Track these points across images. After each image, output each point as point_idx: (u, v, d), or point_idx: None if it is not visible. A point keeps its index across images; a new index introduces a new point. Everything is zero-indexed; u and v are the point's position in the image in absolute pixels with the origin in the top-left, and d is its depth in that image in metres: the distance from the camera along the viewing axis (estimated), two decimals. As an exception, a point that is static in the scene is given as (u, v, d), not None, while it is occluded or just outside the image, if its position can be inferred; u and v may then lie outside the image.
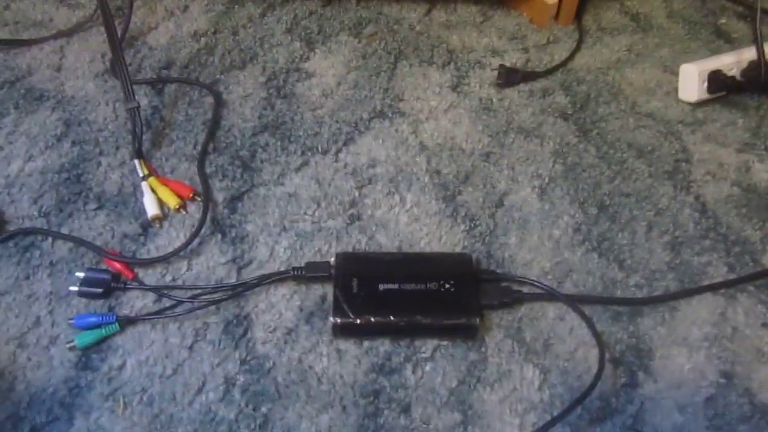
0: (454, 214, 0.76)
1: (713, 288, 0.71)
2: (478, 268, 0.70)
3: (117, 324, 0.65)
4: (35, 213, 0.75)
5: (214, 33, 0.97)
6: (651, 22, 1.02)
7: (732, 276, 0.72)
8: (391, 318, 0.63)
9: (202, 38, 0.96)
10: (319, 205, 0.76)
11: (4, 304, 0.68)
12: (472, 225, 0.75)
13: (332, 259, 0.68)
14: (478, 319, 0.64)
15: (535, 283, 0.69)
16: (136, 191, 0.77)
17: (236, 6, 1.01)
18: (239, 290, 0.68)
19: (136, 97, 0.85)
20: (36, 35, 0.95)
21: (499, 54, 0.96)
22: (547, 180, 0.80)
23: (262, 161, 0.80)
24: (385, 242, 0.73)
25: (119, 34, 0.93)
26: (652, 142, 0.85)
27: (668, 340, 0.67)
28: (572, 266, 0.72)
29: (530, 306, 0.68)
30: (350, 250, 0.72)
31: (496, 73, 0.91)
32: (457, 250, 0.73)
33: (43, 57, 0.92)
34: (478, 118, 0.86)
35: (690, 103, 0.90)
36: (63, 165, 0.79)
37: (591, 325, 0.66)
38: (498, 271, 0.70)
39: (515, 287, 0.69)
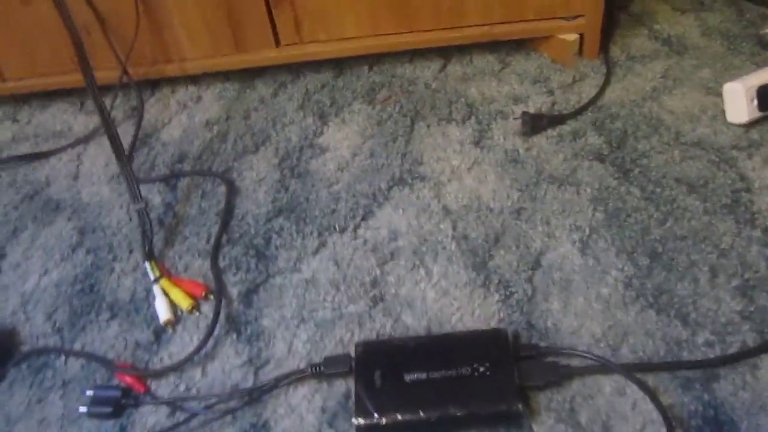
0: (487, 282, 0.68)
1: (800, 336, 0.60)
2: (517, 344, 0.62)
3: (127, 447, 0.60)
4: (49, 329, 0.72)
5: (227, 119, 0.94)
6: (685, 43, 0.94)
7: (821, 319, 0.61)
8: (421, 414, 0.56)
9: (215, 126, 0.94)
10: (338, 289, 0.70)
11: (16, 433, 0.64)
12: (507, 293, 0.67)
13: (352, 351, 0.62)
14: (520, 405, 0.56)
15: (585, 355, 0.60)
16: (149, 295, 0.73)
17: (248, 90, 0.99)
18: (255, 396, 0.62)
19: (150, 196, 0.84)
20: (56, 145, 0.96)
21: (521, 100, 0.89)
22: (587, 231, 0.72)
23: (277, 248, 0.76)
24: (412, 323, 0.66)
25: (133, 134, 0.93)
26: (703, 174, 0.76)
27: (754, 406, 0.57)
28: (627, 329, 0.63)
29: (582, 381, 0.60)
30: (374, 335, 0.66)
31: (519, 121, 0.85)
32: (493, 323, 0.65)
33: (61, 167, 0.92)
34: (505, 171, 0.80)
35: (741, 125, 0.80)
36: (77, 276, 0.76)
37: (655, 398, 0.57)
38: (541, 344, 0.62)
39: (563, 361, 0.60)
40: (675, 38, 0.96)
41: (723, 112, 0.82)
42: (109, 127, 0.76)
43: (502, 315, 0.65)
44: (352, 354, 0.62)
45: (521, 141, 0.83)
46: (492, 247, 0.72)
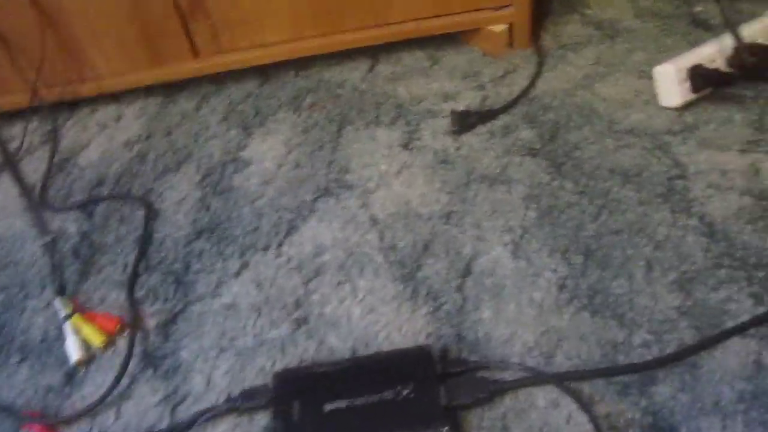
0: (414, 295, 0.65)
1: (740, 330, 0.58)
2: (444, 360, 0.58)
3: (32, 505, 0.55)
4: (-46, 379, 0.67)
5: (147, 138, 0.90)
6: (618, 27, 0.92)
7: (761, 309, 0.59)
8: (342, 446, 0.52)
9: (135, 146, 0.89)
10: (260, 313, 0.66)
11: None
12: (436, 305, 0.64)
13: (270, 381, 0.58)
14: (446, 428, 0.52)
15: (517, 367, 0.57)
16: (61, 335, 0.68)
17: (170, 104, 0.94)
18: (171, 437, 0.58)
19: (65, 225, 0.79)
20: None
21: (451, 98, 0.86)
22: (520, 232, 0.68)
23: (196, 273, 0.71)
24: (337, 345, 0.62)
25: (47, 160, 0.88)
26: (637, 162, 0.73)
27: (694, 408, 0.54)
28: (561, 334, 0.60)
29: (515, 395, 0.56)
30: (296, 361, 0.62)
31: (449, 120, 0.81)
32: (421, 338, 0.61)
33: (-28, 200, 0.87)
34: (435, 174, 0.76)
35: (674, 109, 0.78)
36: (-15, 318, 0.72)
37: (587, 409, 0.54)
38: (470, 358, 0.59)
39: (494, 375, 0.57)
40: (607, 22, 0.93)
41: (656, 96, 0.79)
42: (11, 161, 0.71)
43: (430, 329, 0.62)
44: (271, 385, 0.58)
45: (451, 140, 0.80)
46: (420, 256, 0.68)
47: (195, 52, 0.91)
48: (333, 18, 0.88)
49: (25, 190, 0.71)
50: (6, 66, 0.88)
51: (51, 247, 0.71)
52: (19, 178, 0.71)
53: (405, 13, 0.88)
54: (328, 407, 0.54)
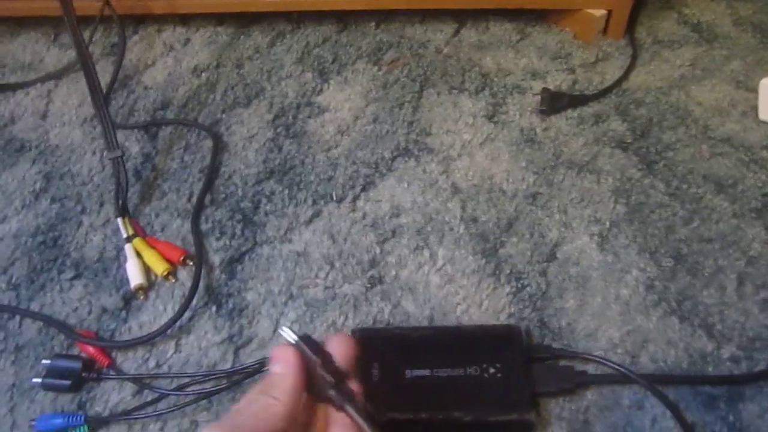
0: (497, 272, 0.62)
1: (832, 358, 0.56)
2: (529, 344, 0.56)
3: (86, 427, 0.53)
4: (3, 285, 0.64)
5: (217, 67, 0.86)
6: (716, 32, 0.88)
7: None
8: (422, 415, 0.50)
9: (203, 73, 0.85)
10: (332, 265, 0.63)
11: (-41, 401, 0.56)
12: (519, 285, 0.61)
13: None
14: (533, 414, 0.50)
15: (603, 361, 0.55)
16: (120, 255, 0.65)
17: (242, 36, 0.90)
18: (236, 379, 0.55)
19: (127, 144, 0.76)
20: (24, 78, 0.86)
21: (540, 76, 0.83)
22: (608, 225, 0.66)
23: (266, 214, 0.68)
24: (414, 311, 0.60)
25: (112, 74, 0.84)
26: (732, 173, 0.70)
27: (781, 431, 0.52)
28: (648, 335, 0.58)
29: (599, 391, 0.54)
30: (370, 321, 0.59)
31: (538, 98, 0.78)
32: (502, 317, 0.59)
33: (28, 103, 0.83)
34: (520, 152, 0.73)
35: (775, 124, 0.75)
36: (39, 226, 0.68)
37: (678, 414, 0.52)
38: (554, 346, 0.57)
39: (578, 367, 0.55)
40: (705, 25, 0.89)
41: (754, 108, 0.77)
42: (86, 61, 0.67)
43: (512, 309, 0.59)
44: (347, 341, 0.55)
45: (539, 119, 0.77)
46: (504, 233, 0.65)
47: (279, -14, 0.87)
48: (427, -26, 0.84)
49: (97, 98, 0.67)
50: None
51: (117, 164, 0.67)
52: (94, 85, 0.67)
53: (504, -19, 0.85)
54: (410, 373, 0.52)
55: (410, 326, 0.57)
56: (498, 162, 0.72)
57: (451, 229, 0.66)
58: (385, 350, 0.53)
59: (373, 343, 0.54)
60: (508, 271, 0.62)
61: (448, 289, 0.61)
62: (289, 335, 0.40)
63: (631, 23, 0.88)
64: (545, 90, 0.78)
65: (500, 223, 0.66)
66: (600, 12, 0.86)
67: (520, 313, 0.59)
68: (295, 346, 0.39)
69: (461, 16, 0.91)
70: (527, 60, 0.85)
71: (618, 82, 0.81)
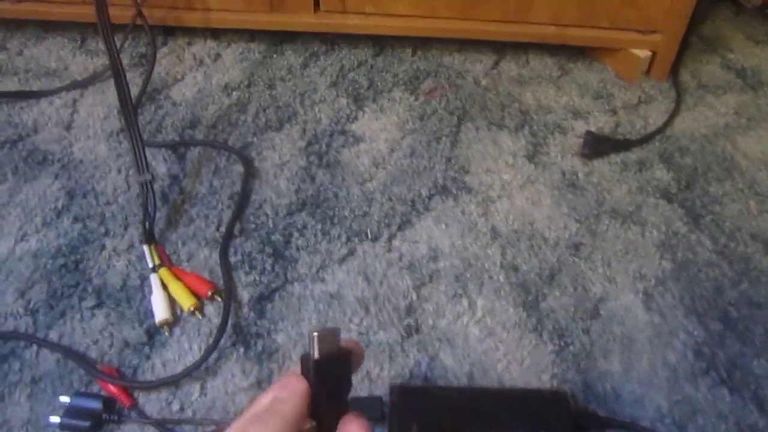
0: (539, 327, 0.60)
1: None
2: (576, 410, 0.53)
3: (105, 475, 0.50)
4: (21, 309, 0.61)
5: (248, 86, 0.83)
6: (761, 78, 0.86)
7: None
8: (465, 485, 0.47)
9: (234, 92, 0.82)
10: (367, 310, 0.61)
11: (-30, 435, 0.53)
12: (562, 344, 0.58)
13: (386, 394, 0.53)
14: (580, 490, 0.48)
15: (652, 433, 0.52)
16: (144, 285, 0.62)
17: (274, 54, 0.88)
18: (264, 430, 0.52)
19: (153, 164, 0.73)
20: (48, 86, 0.83)
21: (581, 116, 0.80)
22: (653, 282, 0.63)
23: (298, 249, 0.66)
24: (452, 365, 0.57)
25: (141, 86, 0.81)
26: (782, 233, 0.68)
27: None
28: (697, 406, 0.55)
29: (646, 465, 0.52)
30: (407, 373, 0.56)
31: (580, 140, 0.76)
32: (545, 378, 0.56)
33: (52, 112, 0.80)
34: (562, 197, 0.71)
35: (826, 184, 0.73)
36: (60, 248, 0.65)
37: (732, 498, 0.49)
38: (600, 413, 0.54)
39: (625, 438, 0.52)
40: (750, 71, 0.87)
41: (804, 163, 0.74)
42: (119, 78, 0.64)
43: (555, 370, 0.57)
44: (385, 397, 0.52)
45: (581, 163, 0.74)
46: (546, 284, 0.63)
47: (317, 6, 0.84)
48: (471, 3, 0.82)
49: (128, 115, 0.65)
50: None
51: (146, 189, 0.64)
52: (126, 99, 0.64)
53: (548, 15, 0.82)
54: (451, 437, 0.49)
55: (453, 386, 0.55)
56: (539, 206, 0.70)
57: (491, 277, 0.63)
58: (426, 410, 0.51)
59: (414, 402, 0.51)
60: (551, 327, 0.60)
61: (488, 344, 0.58)
62: (315, 347, 0.34)
63: (675, 65, 0.86)
64: (589, 133, 0.76)
65: (542, 274, 0.64)
66: (645, 53, 0.83)
67: (563, 375, 0.57)
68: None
69: (500, 48, 0.89)
70: (568, 98, 0.82)
71: (662, 128, 0.79)
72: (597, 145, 0.75)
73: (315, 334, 0.33)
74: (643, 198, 0.71)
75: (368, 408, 0.52)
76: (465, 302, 0.61)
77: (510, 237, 0.67)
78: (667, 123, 0.79)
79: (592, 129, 0.78)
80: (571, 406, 0.52)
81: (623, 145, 0.76)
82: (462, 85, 0.84)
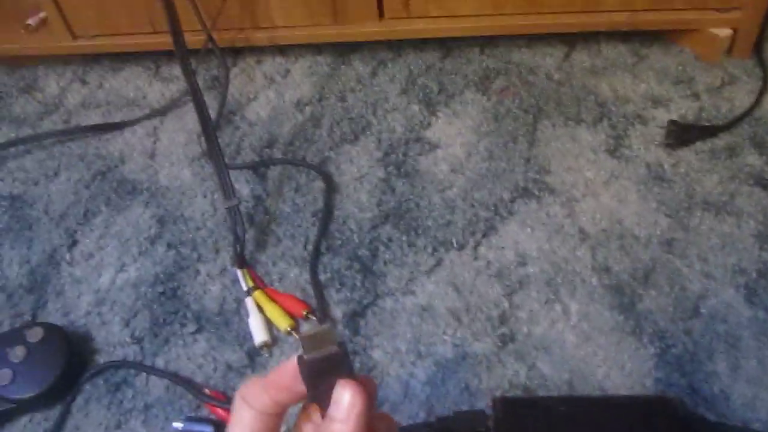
0: (637, 330, 0.58)
1: None
2: (685, 416, 0.52)
3: (223, 497, 0.52)
4: (128, 338, 0.64)
5: (320, 100, 0.84)
6: None
7: None
8: (577, 499, 0.47)
9: (307, 107, 0.84)
10: (460, 321, 0.61)
11: (94, 463, 0.56)
12: (663, 346, 0.57)
13: (488, 406, 0.53)
14: (697, 500, 0.46)
15: (768, 437, 0.51)
16: (240, 308, 0.64)
17: (342, 66, 0.88)
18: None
19: (236, 186, 0.74)
20: (129, 116, 0.86)
21: (662, 104, 0.78)
22: (754, 276, 0.61)
23: (385, 263, 0.66)
24: (550, 373, 0.57)
25: (217, 110, 0.83)
26: None
27: None
28: (813, 405, 0.53)
29: (764, 470, 0.50)
30: (505, 383, 0.56)
31: (663, 129, 0.74)
32: (649, 383, 0.55)
33: (135, 142, 0.83)
34: (649, 191, 0.69)
35: None
36: (157, 275, 0.68)
37: None
38: (709, 417, 0.52)
39: (739, 443, 0.51)
40: (841, 40, 0.82)
41: None
42: (198, 98, 0.66)
43: (658, 374, 0.56)
44: (489, 410, 0.52)
45: (665, 154, 0.72)
46: (641, 285, 0.61)
47: (381, 13, 0.84)
48: (536, -4, 0.80)
49: (213, 146, 0.67)
50: (182, 3, 0.83)
51: (234, 213, 0.66)
52: (209, 130, 0.66)
53: (618, 0, 0.80)
54: (558, 450, 0.49)
55: (556, 396, 0.54)
56: (626, 203, 0.68)
57: (583, 281, 0.62)
58: (531, 424, 0.50)
59: (518, 414, 0.51)
60: (650, 330, 0.58)
61: (586, 350, 0.58)
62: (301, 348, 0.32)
63: (758, 42, 0.82)
64: (672, 122, 0.73)
65: (636, 274, 0.62)
66: (725, 32, 0.80)
67: (667, 379, 0.55)
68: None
69: (570, 39, 0.86)
70: (646, 85, 0.80)
71: (750, 110, 0.75)
72: (681, 134, 0.73)
73: (302, 334, 0.34)
74: (735, 186, 0.68)
75: (472, 422, 0.52)
76: (558, 308, 0.61)
77: (599, 237, 0.65)
78: (755, 104, 0.76)
79: (675, 117, 0.75)
80: (680, 412, 0.50)
81: (709, 131, 0.73)
82: (534, 81, 0.83)
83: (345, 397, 0.31)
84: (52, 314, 0.67)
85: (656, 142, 0.73)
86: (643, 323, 0.59)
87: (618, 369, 0.56)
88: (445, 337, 0.60)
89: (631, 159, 0.72)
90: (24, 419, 0.59)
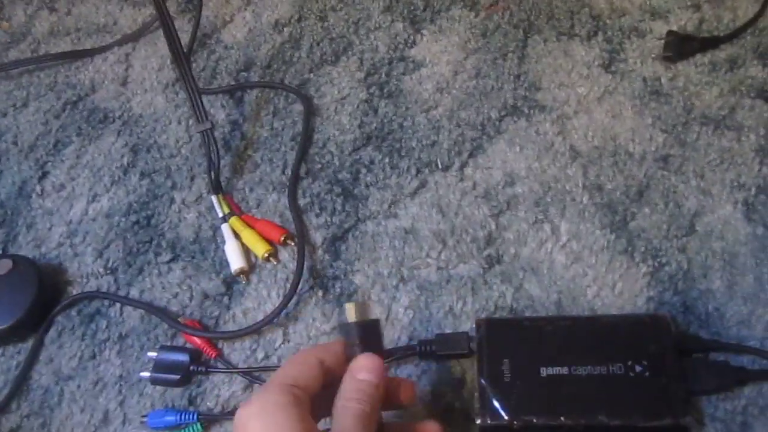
0: (629, 248, 0.56)
1: None
2: (677, 335, 0.50)
3: (199, 425, 0.50)
4: (101, 269, 0.62)
5: (299, 20, 0.80)
6: None
7: None
8: (562, 419, 0.45)
9: (285, 28, 0.79)
10: (445, 243, 0.58)
11: (68, 394, 0.55)
12: (656, 264, 0.55)
13: (472, 328, 0.51)
14: (688, 418, 0.45)
15: (763, 353, 0.49)
16: (216, 235, 0.62)
17: (323, -17, 0.83)
18: (351, 373, 0.51)
19: (212, 111, 0.71)
20: (99, 42, 0.82)
21: (660, 15, 0.73)
22: (753, 191, 0.58)
23: (367, 185, 0.63)
24: (538, 294, 0.54)
25: (191, 34, 0.79)
26: None
27: None
28: (811, 321, 0.51)
29: (758, 389, 0.48)
30: (491, 306, 0.54)
31: (661, 42, 0.69)
32: (640, 302, 0.53)
33: (107, 69, 0.79)
34: (645, 106, 0.65)
35: None
36: (131, 205, 0.65)
37: None
38: (703, 336, 0.50)
39: (732, 360, 0.49)
40: None
41: None
42: (167, 25, 0.62)
43: (651, 293, 0.53)
44: (472, 332, 0.50)
45: (663, 68, 0.68)
46: (633, 203, 0.59)
47: (362, -74, 0.79)
48: None
49: (182, 66, 0.63)
50: None
51: (207, 137, 0.63)
52: (178, 50, 0.62)
53: None
54: (545, 371, 0.47)
55: (542, 316, 0.52)
56: (620, 119, 0.65)
57: (573, 200, 0.59)
58: (516, 345, 0.49)
59: (502, 336, 0.49)
60: (643, 248, 0.56)
61: (576, 270, 0.55)
62: (351, 314, 0.43)
63: (764, -54, 0.76)
64: (670, 33, 0.69)
65: (629, 192, 0.59)
66: (730, -64, 0.74)
67: (660, 297, 0.53)
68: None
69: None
70: (644, -3, 0.75)
71: (754, 19, 0.71)
72: (680, 46, 0.68)
73: (350, 305, 0.43)
74: (736, 100, 0.64)
75: (454, 344, 0.50)
76: (547, 228, 0.58)
77: (591, 155, 0.62)
78: (759, 13, 0.71)
79: (674, 28, 0.71)
80: (672, 330, 0.48)
81: (710, 42, 0.69)
82: (525, -5, 0.78)
83: (360, 373, 0.40)
84: (24, 247, 0.65)
85: (653, 56, 0.69)
86: (636, 241, 0.56)
87: (609, 289, 0.54)
88: (429, 260, 0.57)
89: (626, 73, 0.68)
90: (-5, 352, 0.57)
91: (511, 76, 0.70)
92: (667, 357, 0.47)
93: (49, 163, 0.71)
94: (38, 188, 0.69)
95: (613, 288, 0.54)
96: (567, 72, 0.69)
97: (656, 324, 0.48)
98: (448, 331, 0.52)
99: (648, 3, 0.74)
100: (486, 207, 0.60)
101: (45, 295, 0.59)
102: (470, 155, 0.64)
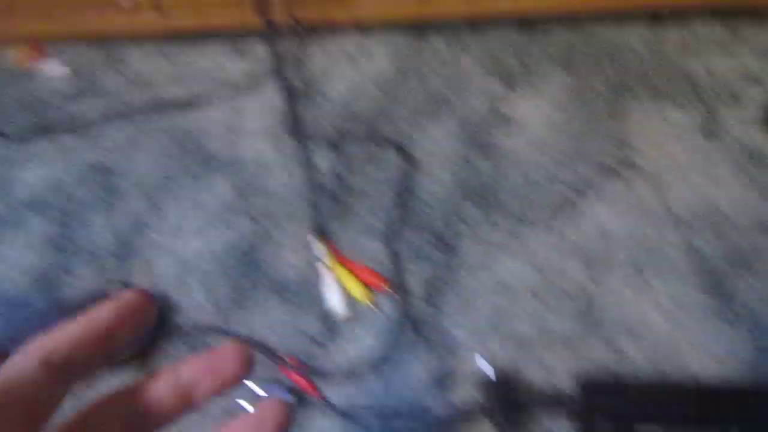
0: (728, 313, 0.56)
1: None
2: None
3: (301, 462, 0.53)
4: (209, 305, 0.65)
5: (399, 77, 0.84)
6: None
7: None
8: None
9: (385, 84, 0.83)
10: (539, 299, 0.59)
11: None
12: (756, 331, 0.54)
13: (571, 389, 0.51)
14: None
15: None
16: (318, 279, 0.65)
17: (421, 43, 0.87)
18: (447, 421, 0.53)
19: (316, 161, 0.75)
20: (213, 92, 0.88)
21: (759, 82, 0.74)
22: None
23: (463, 239, 0.65)
24: (635, 355, 0.55)
25: (298, 87, 0.84)
26: None
27: None
28: None
29: None
30: (589, 365, 0.55)
31: (760, 108, 0.70)
32: (742, 368, 0.53)
33: (218, 116, 0.84)
34: (745, 173, 0.65)
35: None
36: (238, 245, 0.69)
37: None
38: (810, 408, 0.50)
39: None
40: None
41: None
42: (282, 75, 0.67)
43: (748, 356, 0.53)
44: (571, 391, 0.51)
45: (763, 136, 0.68)
46: (734, 268, 0.59)
47: (463, -10, 0.83)
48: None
49: (293, 115, 0.67)
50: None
51: (312, 184, 0.67)
52: (291, 103, 0.67)
53: (714, -26, 0.76)
54: (640, 428, 0.47)
55: (638, 376, 0.52)
56: (719, 186, 0.65)
57: (672, 263, 0.60)
58: (611, 401, 0.49)
59: (598, 393, 0.50)
60: (746, 316, 0.55)
61: (673, 333, 0.55)
62: None
63: None
64: (771, 101, 0.69)
65: (729, 258, 0.59)
66: (832, 6, 0.75)
67: (755, 362, 0.52)
68: None
69: (656, 13, 0.83)
70: (741, 62, 0.76)
71: None
72: (781, 114, 0.69)
73: None
74: (841, 169, 0.64)
75: (553, 401, 0.51)
76: (644, 289, 0.58)
77: (688, 219, 0.63)
78: None
79: (773, 96, 0.71)
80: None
81: (812, 111, 0.69)
82: (619, 57, 0.80)
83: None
84: (138, 280, 0.69)
85: (752, 122, 0.70)
86: (736, 307, 0.56)
87: (705, 353, 0.54)
88: (522, 314, 0.59)
89: (725, 140, 0.69)
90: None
91: (607, 138, 0.71)
92: (762, 425, 0.46)
93: (163, 201, 0.76)
94: (151, 224, 0.74)
95: (713, 354, 0.54)
96: (664, 136, 0.70)
97: (757, 390, 0.48)
98: (542, 387, 0.53)
99: (747, 70, 0.75)
100: (580, 264, 0.61)
101: (158, 326, 0.63)
102: (566, 213, 0.65)
